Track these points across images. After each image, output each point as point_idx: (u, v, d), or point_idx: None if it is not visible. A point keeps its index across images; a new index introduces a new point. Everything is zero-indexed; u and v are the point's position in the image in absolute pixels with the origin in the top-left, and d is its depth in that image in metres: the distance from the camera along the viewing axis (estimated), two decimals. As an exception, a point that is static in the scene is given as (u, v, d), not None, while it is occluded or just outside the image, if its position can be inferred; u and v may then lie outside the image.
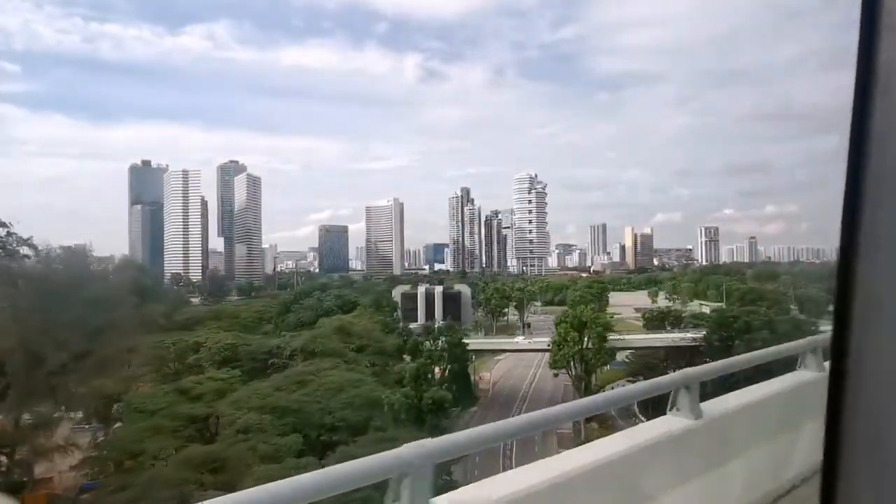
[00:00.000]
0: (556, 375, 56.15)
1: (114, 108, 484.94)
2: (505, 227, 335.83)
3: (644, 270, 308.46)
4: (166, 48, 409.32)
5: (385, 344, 46.31)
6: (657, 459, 2.84)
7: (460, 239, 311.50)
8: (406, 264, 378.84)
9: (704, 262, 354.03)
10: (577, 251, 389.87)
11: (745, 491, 3.38)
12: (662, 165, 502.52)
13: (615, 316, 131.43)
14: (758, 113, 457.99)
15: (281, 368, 38.90)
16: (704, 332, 56.34)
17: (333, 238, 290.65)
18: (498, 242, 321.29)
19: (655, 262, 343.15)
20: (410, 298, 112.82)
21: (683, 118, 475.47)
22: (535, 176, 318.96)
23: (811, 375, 4.17)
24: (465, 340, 67.11)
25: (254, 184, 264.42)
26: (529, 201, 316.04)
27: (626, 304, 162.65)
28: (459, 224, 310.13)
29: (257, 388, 32.42)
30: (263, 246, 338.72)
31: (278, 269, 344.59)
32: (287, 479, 1.85)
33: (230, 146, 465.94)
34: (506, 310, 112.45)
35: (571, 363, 52.80)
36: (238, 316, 61.55)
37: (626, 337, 63.34)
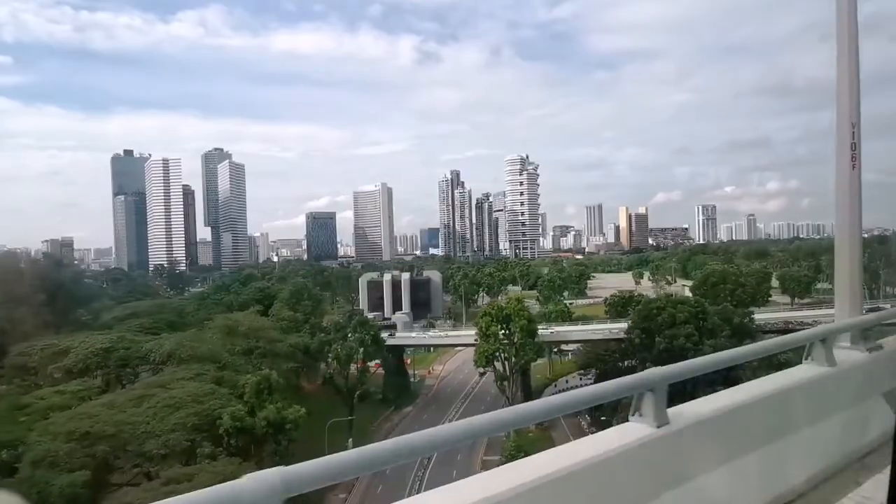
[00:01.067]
0: (481, 374, 51.05)
1: (107, 98, 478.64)
2: (497, 210, 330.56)
3: (639, 251, 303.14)
4: (158, 36, 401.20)
5: (280, 345, 41.97)
6: (626, 467, 2.64)
7: (451, 223, 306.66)
8: (402, 249, 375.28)
9: (702, 241, 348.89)
10: (573, 232, 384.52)
11: None
12: (662, 144, 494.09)
13: (593, 301, 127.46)
14: (757, 88, 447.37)
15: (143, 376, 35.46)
16: (627, 325, 51.45)
17: (320, 225, 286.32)
18: (489, 225, 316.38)
19: (651, 241, 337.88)
20: (377, 287, 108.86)
21: (682, 95, 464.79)
22: (527, 157, 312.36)
23: (817, 371, 3.69)
24: (410, 334, 63.53)
25: (237, 171, 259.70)
26: (521, 183, 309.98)
27: (610, 286, 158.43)
28: (449, 208, 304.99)
29: (90, 407, 28.29)
30: (254, 234, 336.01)
31: (274, 257, 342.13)
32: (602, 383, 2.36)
33: (227, 135, 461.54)
34: (476, 296, 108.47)
35: (498, 361, 48.35)
36: (153, 314, 57.58)
37: (561, 329, 58.75)
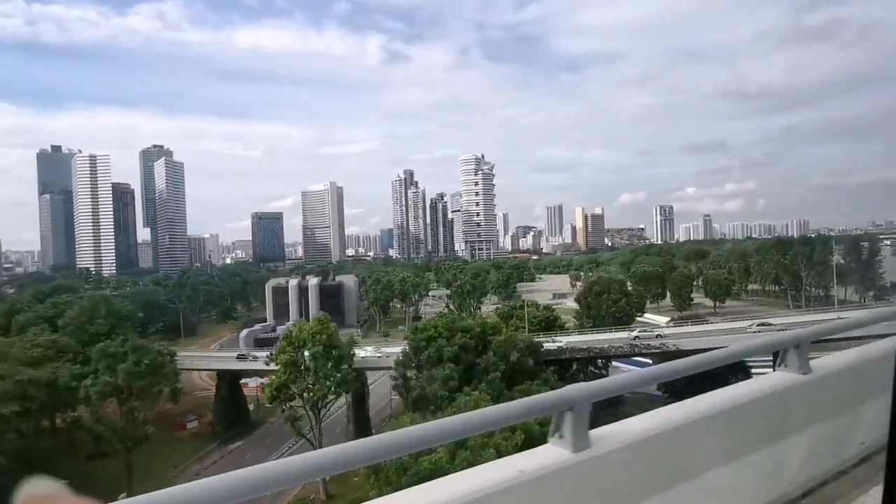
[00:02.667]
0: (283, 411, 41.42)
1: (60, 93, 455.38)
2: (455, 211, 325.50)
3: (595, 251, 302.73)
4: (113, 29, 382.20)
5: (6, 382, 34.11)
6: (541, 495, 2.45)
7: (405, 223, 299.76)
8: (362, 250, 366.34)
9: (659, 241, 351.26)
10: (532, 233, 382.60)
11: None
12: (626, 145, 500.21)
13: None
14: (717, 92, 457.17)
15: None
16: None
17: (266, 226, 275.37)
18: (444, 226, 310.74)
19: (607, 241, 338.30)
20: (282, 293, 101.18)
21: (646, 98, 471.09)
22: (482, 157, 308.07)
23: (789, 377, 3.40)
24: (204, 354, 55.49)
25: (174, 170, 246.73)
26: (476, 183, 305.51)
27: (552, 288, 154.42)
28: (403, 208, 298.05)
29: None
30: (203, 235, 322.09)
31: (228, 259, 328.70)
32: (478, 411, 2.01)
33: (188, 132, 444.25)
34: (392, 303, 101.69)
35: (302, 396, 38.65)
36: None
37: (366, 354, 51.21)
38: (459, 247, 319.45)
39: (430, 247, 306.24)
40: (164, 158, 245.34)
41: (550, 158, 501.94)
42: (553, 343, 45.82)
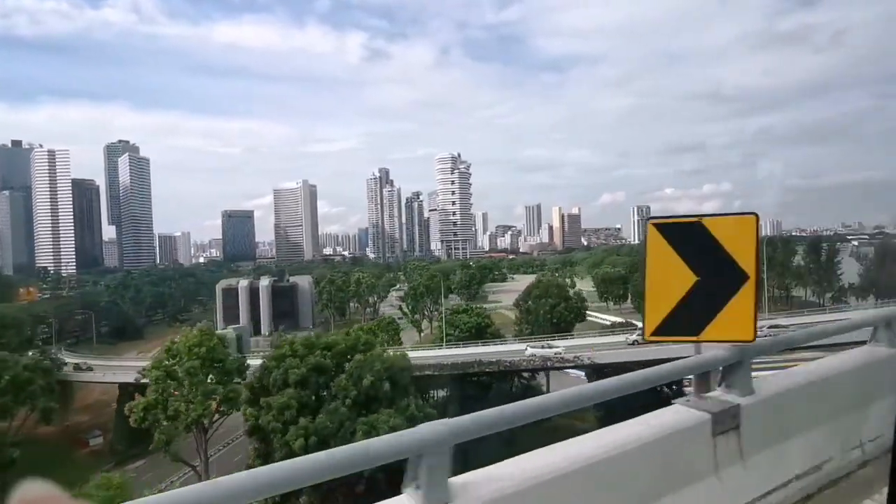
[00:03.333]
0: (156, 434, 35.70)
1: (32, 87, 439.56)
2: (431, 210, 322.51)
3: (571, 250, 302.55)
4: (87, 22, 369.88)
5: None
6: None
7: (380, 222, 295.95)
8: (340, 249, 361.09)
9: (636, 241, 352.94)
10: (511, 232, 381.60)
11: None
12: (606, 146, 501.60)
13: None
14: (694, 94, 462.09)
15: None
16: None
17: (236, 224, 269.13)
18: (420, 225, 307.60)
19: (584, 241, 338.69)
20: (232, 294, 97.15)
21: (626, 99, 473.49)
22: (458, 155, 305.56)
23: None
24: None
25: (139, 165, 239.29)
26: (452, 182, 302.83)
27: (519, 289, 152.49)
28: (378, 206, 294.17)
29: None
30: (175, 234, 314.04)
31: (201, 258, 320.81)
32: (291, 461, 1.69)
33: (164, 128, 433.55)
34: (349, 304, 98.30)
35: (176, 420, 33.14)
36: None
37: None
38: (436, 246, 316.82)
39: (405, 246, 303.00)
40: (128, 154, 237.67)
41: (532, 158, 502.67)
42: (542, 350, 43.98)
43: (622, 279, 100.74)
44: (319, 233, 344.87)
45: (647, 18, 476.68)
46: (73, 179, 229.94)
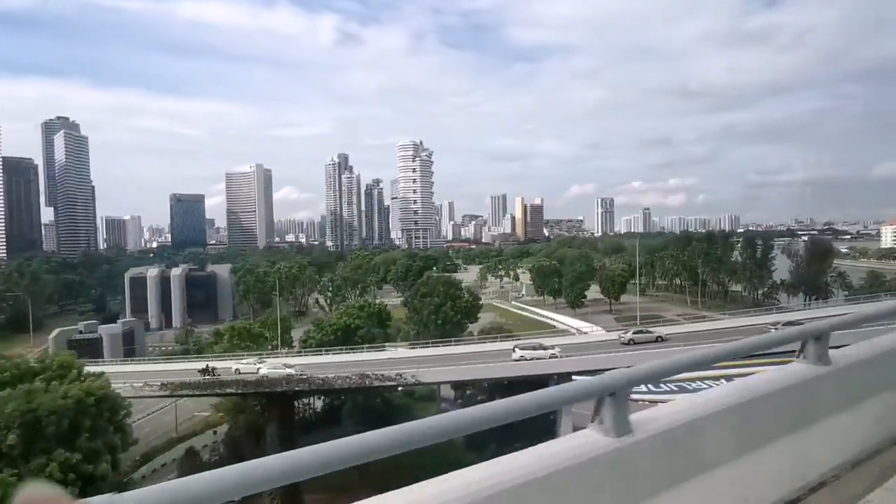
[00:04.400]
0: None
1: None
2: (394, 198, 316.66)
3: (534, 241, 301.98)
4: None
5: None
6: (581, 481, 2.50)
7: (338, 210, 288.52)
8: (302, 237, 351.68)
9: (599, 233, 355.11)
10: (475, 222, 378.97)
11: None
12: (576, 137, 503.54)
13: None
14: (662, 89, 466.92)
15: None
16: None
17: (186, 209, 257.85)
18: (379, 213, 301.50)
19: (546, 232, 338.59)
20: (142, 284, 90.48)
21: (596, 91, 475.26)
22: (420, 143, 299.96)
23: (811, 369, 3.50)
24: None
25: (76, 143, 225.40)
26: (414, 170, 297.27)
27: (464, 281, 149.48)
28: (336, 193, 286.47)
29: None
30: (124, 217, 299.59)
31: (154, 243, 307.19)
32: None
33: (123, 106, 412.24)
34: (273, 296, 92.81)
35: None
36: None
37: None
38: (397, 235, 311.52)
39: (364, 234, 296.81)
40: (63, 131, 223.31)
41: (504, 148, 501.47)
42: (275, 370, 36.53)
43: (557, 272, 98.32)
44: (284, 219, 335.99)
45: (619, 12, 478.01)
46: (3, 157, 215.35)
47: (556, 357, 40.50)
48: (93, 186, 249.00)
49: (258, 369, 37.84)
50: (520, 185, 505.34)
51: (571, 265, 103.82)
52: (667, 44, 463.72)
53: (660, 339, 44.86)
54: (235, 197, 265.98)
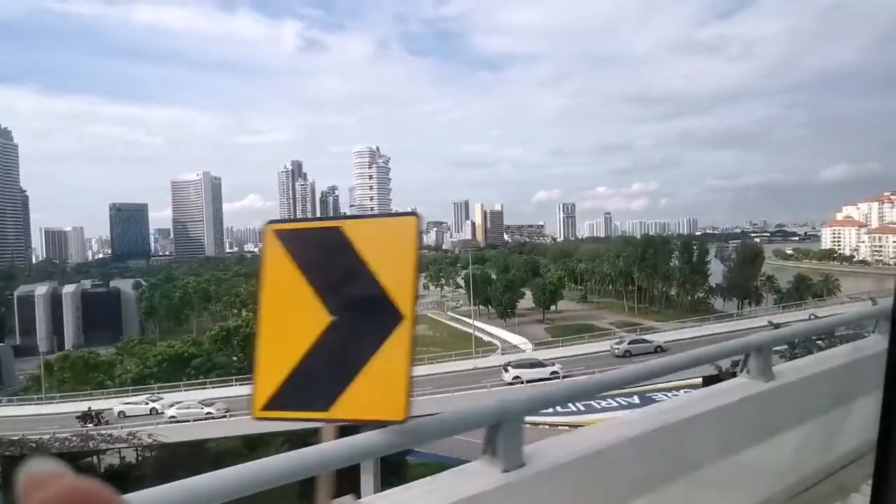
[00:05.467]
0: None
1: None
2: (352, 206, 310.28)
3: (494, 247, 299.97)
4: None
5: None
6: (738, 417, 3.04)
7: (293, 218, 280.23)
8: (261, 247, 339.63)
9: (561, 238, 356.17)
10: (436, 229, 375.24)
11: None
12: (541, 144, 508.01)
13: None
14: (622, 96, 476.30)
15: None
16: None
17: (128, 219, 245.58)
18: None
19: (507, 237, 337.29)
20: (29, 304, 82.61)
21: (559, 98, 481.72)
22: (377, 149, 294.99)
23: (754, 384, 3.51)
24: None
25: (3, 150, 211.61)
26: (370, 176, 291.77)
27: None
28: (290, 202, 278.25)
29: None
30: (66, 228, 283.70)
31: (100, 255, 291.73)
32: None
33: (75, 113, 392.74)
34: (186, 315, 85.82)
35: None
36: None
37: None
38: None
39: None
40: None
41: (471, 154, 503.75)
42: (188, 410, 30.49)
43: (487, 281, 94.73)
44: (245, 227, 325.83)
45: (579, 21, 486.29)
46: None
47: (558, 376, 34.34)
48: (25, 196, 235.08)
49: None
50: (487, 192, 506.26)
51: (501, 273, 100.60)
52: (626, 52, 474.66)
53: (659, 350, 38.88)
54: (182, 206, 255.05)
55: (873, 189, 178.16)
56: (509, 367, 32.73)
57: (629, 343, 40.23)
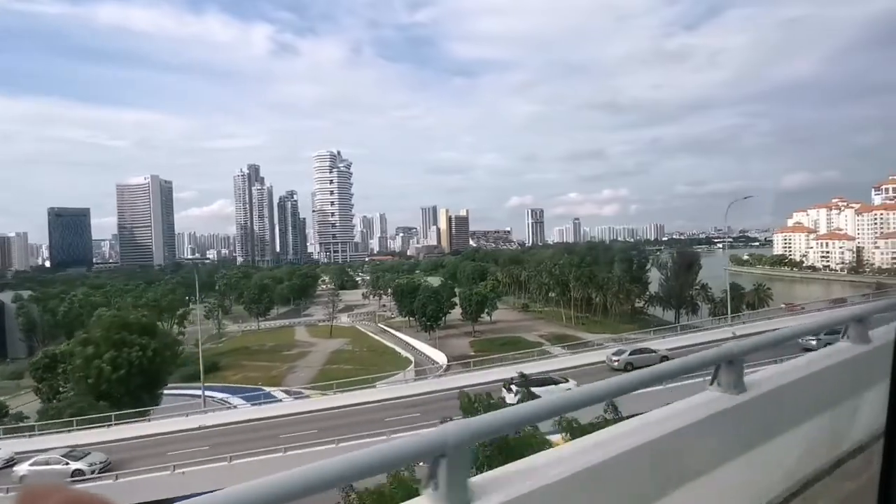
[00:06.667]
0: None
1: None
2: (315, 210, 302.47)
3: (458, 252, 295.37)
4: None
5: None
6: (707, 433, 2.78)
7: (249, 223, 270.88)
8: (226, 252, 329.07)
9: (529, 244, 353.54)
10: (402, 235, 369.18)
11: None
12: (514, 150, 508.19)
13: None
14: (594, 104, 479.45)
15: None
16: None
17: (68, 224, 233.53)
18: (294, 227, 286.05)
19: (473, 243, 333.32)
20: None
21: (532, 106, 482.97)
22: (339, 153, 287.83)
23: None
24: None
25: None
26: (331, 181, 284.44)
27: (352, 301, 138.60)
28: (246, 206, 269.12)
29: None
30: (9, 234, 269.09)
31: (47, 262, 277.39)
32: (314, 464, 1.62)
33: (39, 115, 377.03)
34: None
35: None
36: None
37: None
38: (315, 249, 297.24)
39: (277, 249, 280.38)
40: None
41: (445, 160, 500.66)
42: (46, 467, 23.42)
43: (413, 290, 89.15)
44: (209, 233, 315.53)
45: (552, 29, 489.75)
46: None
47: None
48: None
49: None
50: (461, 197, 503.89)
51: (447, 281, 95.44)
52: (596, 61, 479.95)
53: (665, 360, 32.66)
54: (129, 211, 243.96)
55: (829, 196, 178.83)
56: (512, 387, 26.02)
57: (630, 354, 33.86)
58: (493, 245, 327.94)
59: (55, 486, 0.51)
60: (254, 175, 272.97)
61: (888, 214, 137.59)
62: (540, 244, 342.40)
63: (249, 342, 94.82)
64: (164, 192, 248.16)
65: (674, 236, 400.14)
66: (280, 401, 42.07)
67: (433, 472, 1.81)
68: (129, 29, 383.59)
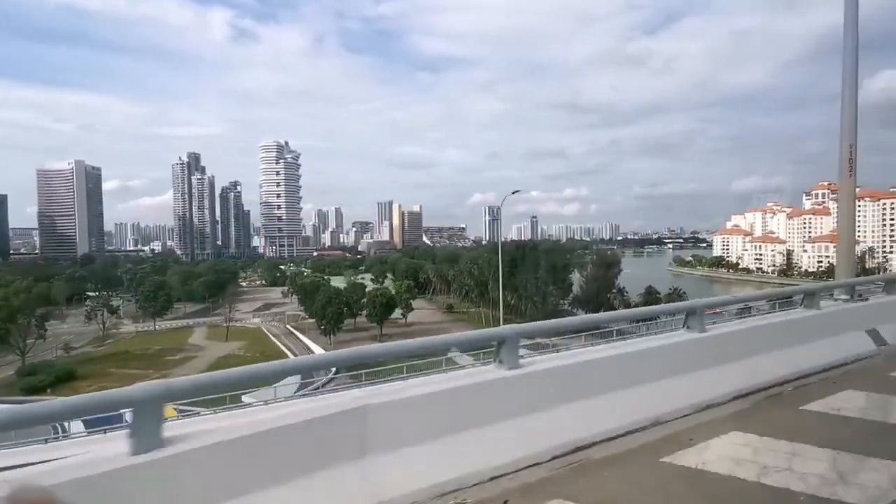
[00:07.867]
0: None
1: None
2: (261, 203, 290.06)
3: (415, 248, 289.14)
4: None
5: None
6: (482, 398, 3.51)
7: (188, 215, 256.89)
8: (171, 243, 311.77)
9: (486, 240, 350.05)
10: (356, 229, 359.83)
11: None
12: (478, 147, 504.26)
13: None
14: (555, 103, 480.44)
15: None
16: None
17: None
18: (237, 219, 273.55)
19: (426, 239, 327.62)
20: None
21: (495, 103, 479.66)
22: (286, 144, 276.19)
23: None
24: None
25: None
26: (277, 173, 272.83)
27: (271, 300, 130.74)
28: (185, 197, 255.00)
29: None
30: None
31: None
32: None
33: None
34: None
35: None
36: None
37: None
38: (260, 242, 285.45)
39: (219, 241, 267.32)
40: None
41: (409, 155, 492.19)
42: None
43: (316, 289, 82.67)
44: (153, 224, 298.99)
45: (514, 29, 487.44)
46: None
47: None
48: None
49: None
50: (424, 193, 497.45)
51: (378, 280, 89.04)
52: (558, 61, 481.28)
53: None
54: (51, 198, 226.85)
55: (777, 200, 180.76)
56: None
57: None
58: (448, 242, 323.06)
59: (46, 496, 0.55)
60: (194, 164, 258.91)
61: (817, 219, 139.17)
62: (496, 242, 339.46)
63: (136, 345, 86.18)
64: (92, 179, 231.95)
65: (628, 236, 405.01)
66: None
67: (498, 350, 2.93)
68: (76, 8, 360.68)
